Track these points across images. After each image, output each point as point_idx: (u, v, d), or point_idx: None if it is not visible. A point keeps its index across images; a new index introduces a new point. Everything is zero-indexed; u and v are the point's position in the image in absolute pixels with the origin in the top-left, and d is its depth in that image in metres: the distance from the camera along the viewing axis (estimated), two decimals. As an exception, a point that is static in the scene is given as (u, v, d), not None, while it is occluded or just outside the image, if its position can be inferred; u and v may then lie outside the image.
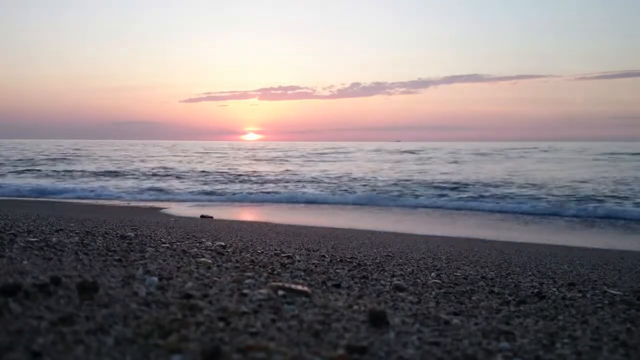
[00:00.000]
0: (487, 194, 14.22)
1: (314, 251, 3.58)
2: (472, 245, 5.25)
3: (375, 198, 13.40)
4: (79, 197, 13.37)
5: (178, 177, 19.84)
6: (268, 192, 14.77)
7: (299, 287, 2.01)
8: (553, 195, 13.51)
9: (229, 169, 24.21)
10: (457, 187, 15.84)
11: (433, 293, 2.37)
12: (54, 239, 2.86)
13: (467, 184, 16.43)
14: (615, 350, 1.59)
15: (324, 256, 3.29)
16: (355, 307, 1.86)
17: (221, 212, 9.59)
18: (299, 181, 18.41)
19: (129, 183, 17.59)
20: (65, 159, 31.14)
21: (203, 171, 22.45)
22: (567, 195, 13.47)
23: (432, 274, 2.97)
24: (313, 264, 2.92)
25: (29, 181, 17.57)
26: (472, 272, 3.17)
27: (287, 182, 17.91)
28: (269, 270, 2.51)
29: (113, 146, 56.06)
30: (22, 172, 21.74)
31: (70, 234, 3.23)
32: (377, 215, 10.58)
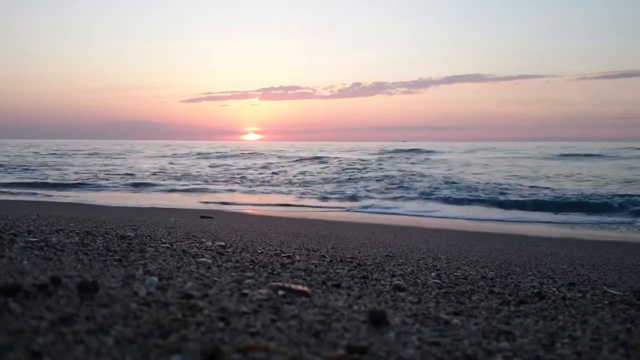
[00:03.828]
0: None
1: (314, 251, 3.57)
2: (472, 245, 5.25)
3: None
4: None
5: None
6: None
7: (299, 287, 2.01)
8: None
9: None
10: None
11: (433, 293, 2.37)
12: (54, 239, 2.86)
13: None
14: (615, 350, 1.59)
15: (324, 256, 3.29)
16: (355, 307, 1.86)
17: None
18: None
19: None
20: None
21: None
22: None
23: (432, 274, 2.97)
24: (313, 264, 2.92)
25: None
26: (472, 272, 3.17)
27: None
28: (269, 270, 2.52)
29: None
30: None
31: (70, 234, 3.23)
32: None
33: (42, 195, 13.81)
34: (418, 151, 40.33)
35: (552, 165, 26.81)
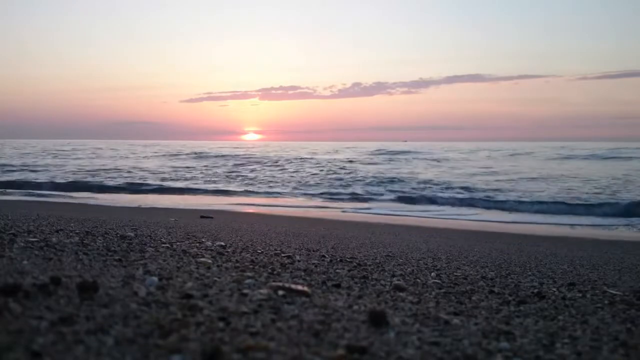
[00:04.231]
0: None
1: (314, 251, 3.58)
2: (472, 245, 5.25)
3: None
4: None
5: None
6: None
7: (299, 287, 2.02)
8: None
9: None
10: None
11: (433, 293, 2.37)
12: (54, 239, 2.86)
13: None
14: (615, 350, 1.59)
15: (324, 256, 3.29)
16: (355, 307, 1.86)
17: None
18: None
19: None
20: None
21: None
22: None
23: (432, 274, 2.97)
24: (313, 264, 2.92)
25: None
26: (472, 272, 3.17)
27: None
28: (269, 270, 2.52)
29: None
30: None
31: (70, 234, 3.23)
32: None
33: (42, 196, 13.82)
34: (415, 152, 40.50)
35: (552, 165, 26.86)
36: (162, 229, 4.23)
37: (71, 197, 13.78)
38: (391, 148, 45.79)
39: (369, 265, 3.06)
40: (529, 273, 3.32)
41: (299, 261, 2.96)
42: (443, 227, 8.50)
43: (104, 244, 2.86)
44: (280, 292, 1.93)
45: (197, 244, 3.28)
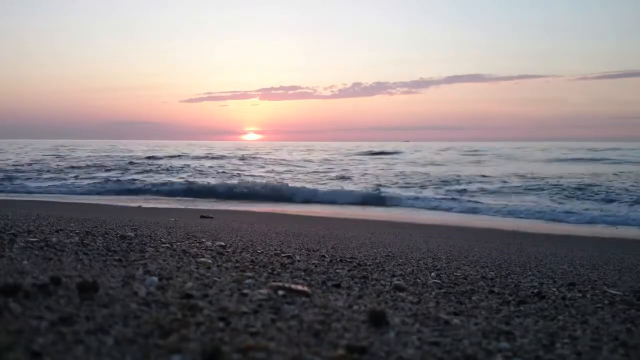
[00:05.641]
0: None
1: (314, 251, 3.58)
2: (472, 245, 5.25)
3: None
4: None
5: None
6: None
7: (299, 287, 2.02)
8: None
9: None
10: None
11: (433, 293, 2.37)
12: (54, 239, 2.86)
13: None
14: (615, 350, 1.59)
15: (324, 256, 3.29)
16: (355, 307, 1.86)
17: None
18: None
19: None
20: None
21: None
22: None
23: (432, 274, 2.97)
24: (313, 264, 2.92)
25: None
26: (472, 272, 3.17)
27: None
28: (269, 270, 2.52)
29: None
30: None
31: (70, 234, 3.23)
32: None
33: (43, 195, 13.82)
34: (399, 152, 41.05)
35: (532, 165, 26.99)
36: (162, 229, 4.23)
37: (78, 197, 13.77)
38: (382, 148, 46.35)
39: (369, 265, 3.06)
40: (529, 273, 3.32)
41: (299, 261, 2.96)
42: (443, 227, 8.50)
43: (104, 244, 2.86)
44: (280, 292, 1.93)
45: (197, 244, 3.28)
